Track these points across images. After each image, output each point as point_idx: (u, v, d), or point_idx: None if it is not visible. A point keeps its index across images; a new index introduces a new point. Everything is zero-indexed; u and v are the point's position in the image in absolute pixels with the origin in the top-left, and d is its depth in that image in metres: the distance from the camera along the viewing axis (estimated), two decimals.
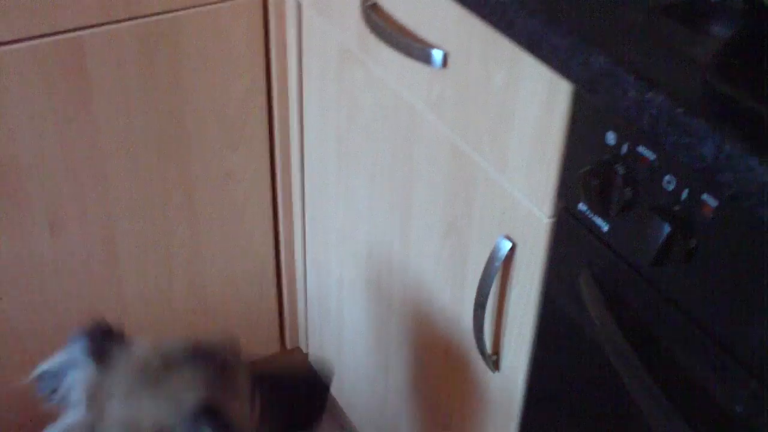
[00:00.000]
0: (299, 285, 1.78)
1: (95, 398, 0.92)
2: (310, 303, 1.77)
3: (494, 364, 1.17)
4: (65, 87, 1.35)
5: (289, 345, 1.86)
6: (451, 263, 1.21)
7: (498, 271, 1.08)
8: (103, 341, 0.95)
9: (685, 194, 0.79)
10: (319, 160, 1.53)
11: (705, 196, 0.77)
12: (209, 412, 0.90)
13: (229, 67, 1.47)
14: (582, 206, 0.91)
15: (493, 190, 1.07)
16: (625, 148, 0.84)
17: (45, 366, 0.96)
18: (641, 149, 0.82)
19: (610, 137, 0.85)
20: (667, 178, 0.80)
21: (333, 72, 1.38)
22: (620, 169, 0.84)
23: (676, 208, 0.79)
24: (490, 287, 1.09)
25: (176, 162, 1.51)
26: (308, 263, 1.72)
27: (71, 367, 0.95)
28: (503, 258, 1.07)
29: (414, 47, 1.11)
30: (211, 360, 0.97)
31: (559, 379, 1.07)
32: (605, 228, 0.89)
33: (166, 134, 1.48)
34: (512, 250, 1.06)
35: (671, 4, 0.89)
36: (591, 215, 0.90)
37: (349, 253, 1.52)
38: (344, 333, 1.65)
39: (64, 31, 1.31)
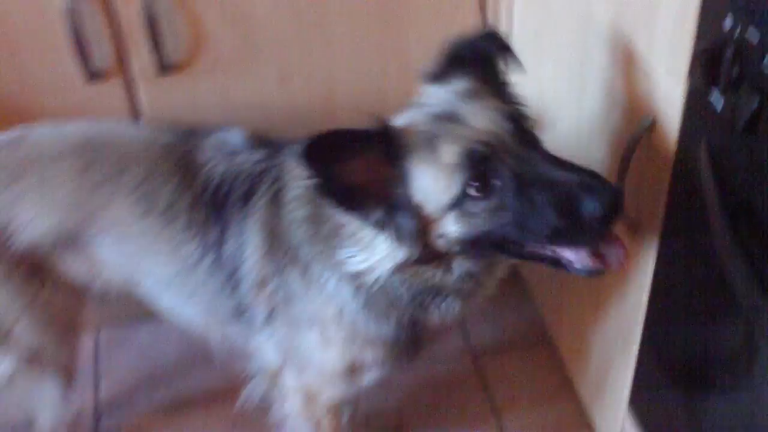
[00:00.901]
0: None
1: None
2: None
3: (634, 228, 1.30)
4: None
5: None
6: (608, 129, 1.34)
7: (639, 143, 1.20)
8: None
9: None
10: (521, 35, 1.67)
11: None
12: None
13: None
14: (702, 84, 1.02)
15: (644, 68, 1.19)
16: (737, 32, 0.94)
17: None
18: (750, 31, 0.91)
19: (728, 22, 0.95)
20: (766, 59, 0.89)
21: None
22: (730, 50, 0.94)
23: None
24: (631, 155, 1.22)
25: (393, 32, 1.70)
26: None
27: None
28: (644, 130, 1.19)
29: None
30: None
31: (688, 249, 1.19)
32: (720, 105, 1.00)
33: (386, 6, 1.67)
34: (653, 124, 1.18)
35: None
36: (709, 93, 1.01)
37: None
38: None
39: None
